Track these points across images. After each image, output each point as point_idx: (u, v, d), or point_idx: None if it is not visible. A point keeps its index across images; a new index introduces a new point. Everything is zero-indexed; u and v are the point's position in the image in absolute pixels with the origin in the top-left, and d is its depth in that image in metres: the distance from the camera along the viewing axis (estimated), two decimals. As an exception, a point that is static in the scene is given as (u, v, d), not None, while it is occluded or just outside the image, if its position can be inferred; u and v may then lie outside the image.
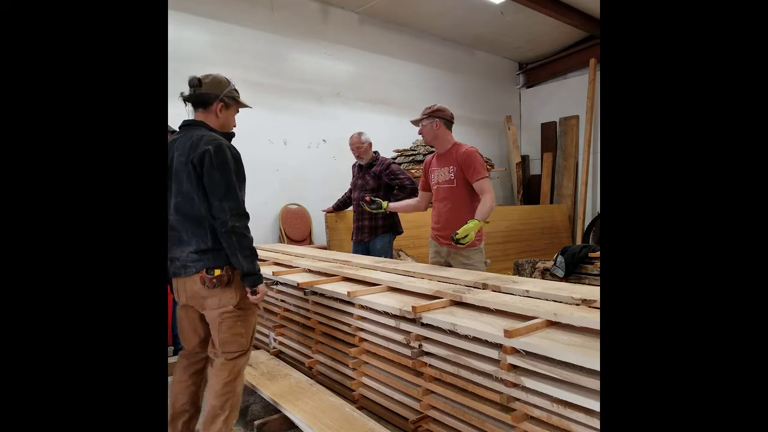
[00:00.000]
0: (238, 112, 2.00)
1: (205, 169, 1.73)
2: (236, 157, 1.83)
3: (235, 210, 1.77)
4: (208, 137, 1.79)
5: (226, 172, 1.75)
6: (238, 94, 1.98)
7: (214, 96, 1.87)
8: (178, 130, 1.92)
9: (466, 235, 2.32)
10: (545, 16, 6.10)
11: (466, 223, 2.38)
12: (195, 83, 1.87)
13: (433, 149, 2.89)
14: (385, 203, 2.99)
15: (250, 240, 1.82)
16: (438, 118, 2.66)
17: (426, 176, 2.86)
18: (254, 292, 1.84)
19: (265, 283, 2.82)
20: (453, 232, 2.34)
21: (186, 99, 1.90)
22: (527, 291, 1.84)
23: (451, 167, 2.65)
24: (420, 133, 2.76)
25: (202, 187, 1.76)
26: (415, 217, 4.38)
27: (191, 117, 1.92)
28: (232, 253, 1.77)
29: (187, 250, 1.81)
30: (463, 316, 1.72)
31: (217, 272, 1.78)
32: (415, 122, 2.74)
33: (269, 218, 5.27)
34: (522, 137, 8.21)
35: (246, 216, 1.82)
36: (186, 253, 1.81)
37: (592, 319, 1.45)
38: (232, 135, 1.98)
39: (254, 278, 1.81)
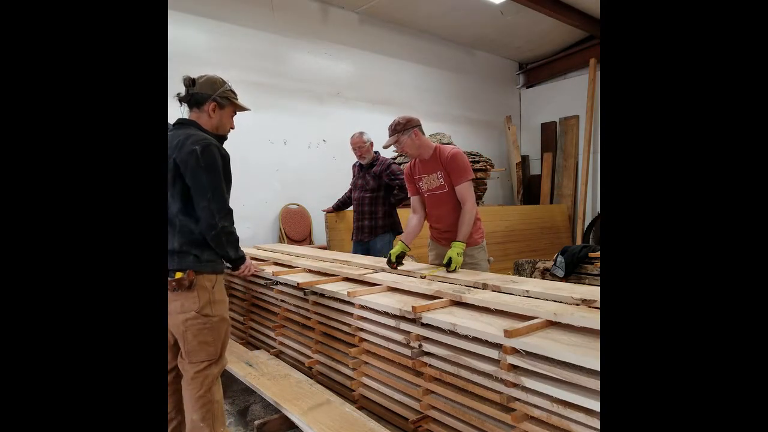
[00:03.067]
0: (234, 114, 1.95)
1: (191, 169, 1.71)
2: (225, 157, 1.80)
3: (223, 211, 1.76)
4: (196, 137, 1.76)
5: (213, 173, 1.73)
6: (235, 95, 1.94)
7: (206, 96, 1.85)
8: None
9: (455, 263, 2.36)
10: (545, 16, 6.10)
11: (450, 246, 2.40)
12: (188, 83, 1.85)
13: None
14: (400, 248, 2.59)
15: (235, 233, 1.86)
16: (413, 128, 2.55)
17: (412, 183, 2.75)
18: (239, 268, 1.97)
19: (266, 283, 2.83)
20: (448, 259, 2.37)
21: (181, 99, 1.88)
22: (527, 291, 1.84)
23: (439, 172, 2.57)
24: (401, 152, 2.64)
25: (179, 187, 1.73)
26: (415, 217, 4.37)
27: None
28: (222, 250, 1.82)
29: None
30: (463, 316, 1.72)
31: (178, 275, 1.71)
32: (389, 144, 2.61)
33: (269, 218, 5.27)
34: (522, 137, 8.22)
35: (231, 213, 1.82)
36: None
37: (592, 319, 1.45)
38: (224, 138, 1.94)
39: (240, 261, 1.93)
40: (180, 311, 1.76)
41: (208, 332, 1.79)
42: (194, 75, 1.88)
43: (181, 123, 1.86)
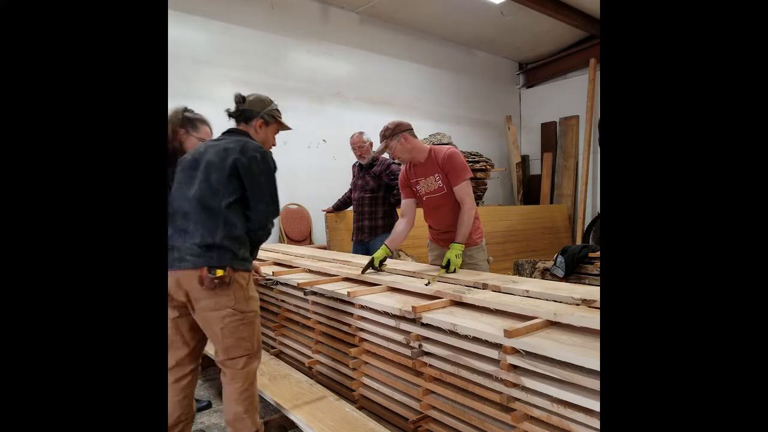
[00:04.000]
0: (278, 132, 2.09)
1: (252, 173, 1.83)
2: (276, 167, 1.95)
3: (276, 214, 1.93)
4: (255, 144, 1.90)
5: (271, 179, 1.89)
6: (280, 114, 2.07)
7: (255, 113, 1.98)
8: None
9: (454, 265, 2.33)
10: (545, 16, 6.10)
11: (449, 247, 2.36)
12: (239, 99, 1.98)
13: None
14: (383, 252, 2.56)
15: None
16: (401, 132, 2.50)
17: (407, 188, 2.70)
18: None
19: (266, 283, 2.84)
20: (446, 261, 2.33)
21: (230, 115, 2.01)
22: (527, 291, 1.84)
23: (437, 175, 2.53)
24: (393, 157, 2.63)
25: (234, 185, 1.82)
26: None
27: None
28: (256, 248, 1.94)
29: (190, 241, 1.77)
30: (463, 316, 1.72)
31: (220, 273, 1.73)
32: (380, 152, 2.59)
33: (269, 218, 5.27)
34: (522, 137, 8.22)
35: None
36: (189, 244, 1.76)
37: (592, 319, 1.45)
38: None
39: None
40: (215, 308, 1.76)
41: (244, 328, 1.82)
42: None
43: (234, 131, 1.98)
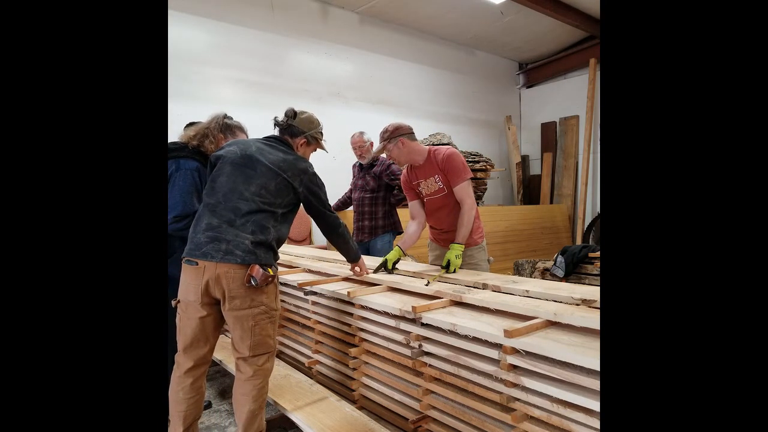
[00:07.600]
0: (315, 150, 2.22)
1: (312, 188, 2.01)
2: None
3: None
4: (307, 161, 2.04)
5: (324, 192, 2.09)
6: (322, 136, 2.21)
7: (301, 131, 2.08)
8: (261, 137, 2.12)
9: (454, 265, 2.33)
10: (545, 16, 6.11)
11: (449, 248, 2.36)
12: (291, 114, 2.08)
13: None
14: (397, 253, 2.56)
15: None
16: (399, 136, 2.51)
17: (410, 190, 2.71)
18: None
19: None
20: (446, 262, 2.34)
21: (277, 124, 2.10)
22: (527, 291, 1.84)
23: (437, 176, 2.54)
24: (391, 160, 2.63)
25: (292, 197, 1.94)
26: (415, 217, 4.37)
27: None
28: (345, 243, 2.19)
29: (243, 235, 1.76)
30: (463, 316, 1.72)
31: (271, 271, 1.78)
32: (379, 153, 2.61)
33: (269, 218, 5.27)
34: (522, 137, 8.22)
35: None
36: (242, 239, 1.75)
37: (592, 319, 1.45)
38: None
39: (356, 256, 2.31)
40: (250, 306, 1.78)
41: (271, 326, 1.86)
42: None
43: (281, 140, 2.06)
